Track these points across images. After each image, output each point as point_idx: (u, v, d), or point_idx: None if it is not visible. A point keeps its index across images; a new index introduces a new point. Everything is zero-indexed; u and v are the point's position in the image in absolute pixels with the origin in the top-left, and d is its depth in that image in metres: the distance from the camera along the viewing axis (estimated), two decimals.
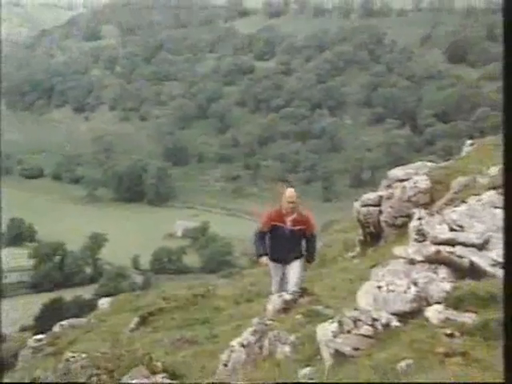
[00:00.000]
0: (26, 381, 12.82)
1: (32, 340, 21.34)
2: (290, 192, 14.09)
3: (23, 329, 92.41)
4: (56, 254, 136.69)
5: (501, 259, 7.07)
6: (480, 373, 5.24)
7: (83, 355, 12.31)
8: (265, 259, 14.17)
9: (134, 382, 10.10)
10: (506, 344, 3.37)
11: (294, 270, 13.79)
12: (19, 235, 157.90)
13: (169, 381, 10.15)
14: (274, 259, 14.13)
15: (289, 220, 13.82)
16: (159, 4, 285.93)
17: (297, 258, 14.04)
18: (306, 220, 14.12)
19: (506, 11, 3.77)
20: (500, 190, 9.70)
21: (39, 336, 21.40)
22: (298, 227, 13.81)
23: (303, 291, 11.84)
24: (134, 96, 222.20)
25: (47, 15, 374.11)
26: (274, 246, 14.05)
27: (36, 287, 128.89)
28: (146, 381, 10.14)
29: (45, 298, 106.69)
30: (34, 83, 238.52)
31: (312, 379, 6.50)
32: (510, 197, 3.43)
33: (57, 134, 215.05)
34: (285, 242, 13.81)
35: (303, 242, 14.16)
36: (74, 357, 12.38)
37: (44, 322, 65.14)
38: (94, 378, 11.44)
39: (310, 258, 14.09)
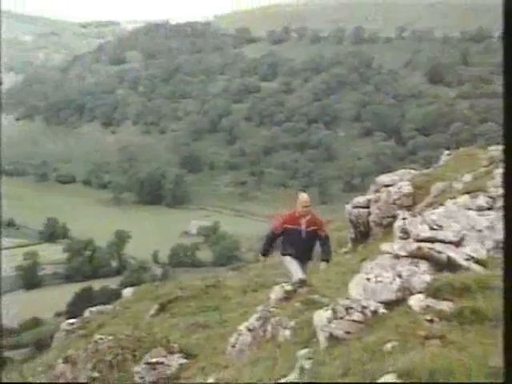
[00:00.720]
0: (60, 361, 12.80)
1: (65, 324, 21.37)
2: (304, 197, 13.73)
3: (58, 314, 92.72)
4: (86, 249, 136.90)
5: (474, 254, 7.10)
6: (456, 353, 5.24)
7: (110, 337, 12.32)
8: (262, 259, 14.25)
9: (153, 360, 10.10)
10: (505, 344, 3.30)
11: (306, 270, 13.41)
12: (54, 233, 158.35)
13: (184, 360, 10.14)
14: (291, 255, 13.55)
15: (303, 222, 13.37)
16: (176, 32, 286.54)
17: (311, 258, 13.72)
18: (319, 222, 13.66)
19: (506, 10, 3.56)
20: (472, 194, 9.72)
21: (71, 320, 21.43)
22: (312, 228, 13.35)
23: (302, 283, 11.73)
24: (154, 112, 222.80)
25: (79, 43, 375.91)
26: (291, 247, 13.53)
27: (69, 278, 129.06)
28: (164, 360, 10.14)
29: (76, 287, 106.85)
30: (68, 102, 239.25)
31: (309, 359, 6.49)
32: (510, 198, 3.37)
33: (87, 146, 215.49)
34: (301, 242, 13.35)
35: (318, 244, 13.64)
36: (101, 338, 12.40)
37: (75, 308, 65.24)
38: (120, 357, 11.45)
39: (327, 257, 13.59)
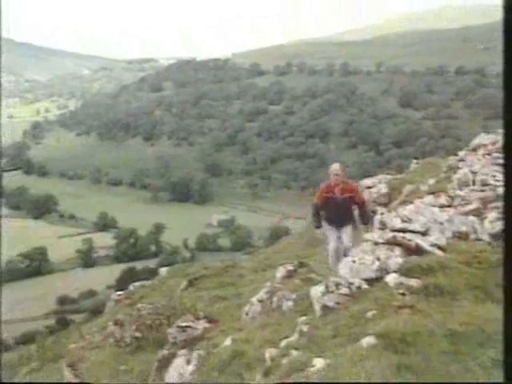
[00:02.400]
0: (111, 323, 12.80)
1: (114, 295, 21.38)
2: (334, 166, 12.58)
3: (108, 287, 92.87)
4: (131, 237, 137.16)
5: (437, 242, 7.08)
6: (422, 319, 5.24)
7: (149, 306, 12.32)
8: (318, 232, 12.92)
9: (183, 324, 10.09)
10: (505, 345, 3.26)
11: (347, 232, 12.23)
12: (105, 224, 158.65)
13: (207, 324, 10.13)
14: (329, 223, 12.52)
15: (337, 190, 12.20)
16: (202, 67, 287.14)
17: (348, 223, 12.40)
18: (353, 189, 12.46)
19: (507, 9, 3.38)
20: (435, 194, 9.70)
21: (119, 292, 21.45)
22: (347, 195, 12.19)
23: (301, 264, 11.68)
24: (185, 129, 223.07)
25: (126, 76, 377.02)
26: (329, 214, 12.44)
27: (117, 259, 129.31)
28: (191, 324, 10.13)
29: (123, 267, 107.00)
30: (117, 121, 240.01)
31: (307, 324, 6.49)
32: (510, 199, 3.28)
33: (131, 156, 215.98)
34: (337, 208, 12.23)
35: (355, 210, 12.49)
36: (143, 306, 12.40)
37: (122, 283, 65.21)
38: (157, 321, 11.46)
39: (365, 220, 12.39)
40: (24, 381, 13.74)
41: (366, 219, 12.37)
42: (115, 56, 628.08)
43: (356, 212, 12.39)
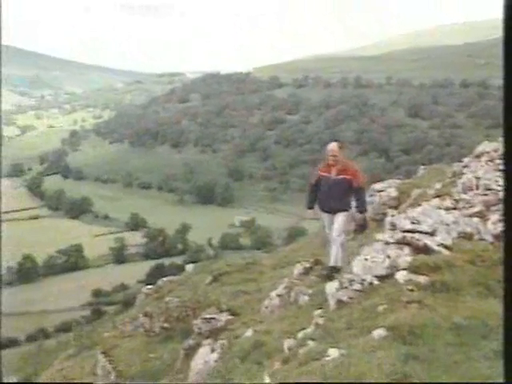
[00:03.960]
0: (141, 315, 12.85)
1: (145, 289, 21.49)
2: (330, 146, 10.90)
3: (139, 281, 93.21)
4: (159, 236, 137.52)
5: (443, 242, 7.05)
6: (429, 313, 5.23)
7: (176, 299, 12.36)
8: (310, 212, 11.10)
9: (208, 316, 10.11)
10: (505, 345, 3.21)
11: (338, 220, 10.51)
12: (136, 224, 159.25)
13: (230, 317, 10.15)
14: (322, 208, 10.85)
15: (333, 170, 10.57)
16: (225, 80, 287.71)
17: (344, 210, 10.64)
18: (351, 171, 10.64)
19: (507, 8, 3.26)
20: (441, 198, 9.64)
21: (149, 286, 21.54)
22: (342, 176, 10.46)
23: (317, 262, 11.45)
24: (209, 137, 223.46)
25: (156, 88, 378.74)
26: (321, 195, 10.77)
27: (147, 256, 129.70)
28: (215, 316, 10.15)
29: (152, 263, 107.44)
30: (147, 130, 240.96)
31: (322, 317, 6.48)
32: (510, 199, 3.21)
33: (160, 161, 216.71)
34: (328, 190, 10.56)
35: (351, 196, 10.70)
36: (170, 300, 12.44)
37: (152, 278, 65.38)
38: (183, 313, 11.48)
39: (360, 208, 10.62)
40: (60, 366, 13.82)
41: (362, 207, 10.61)
42: (146, 70, 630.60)
43: (353, 199, 10.74)
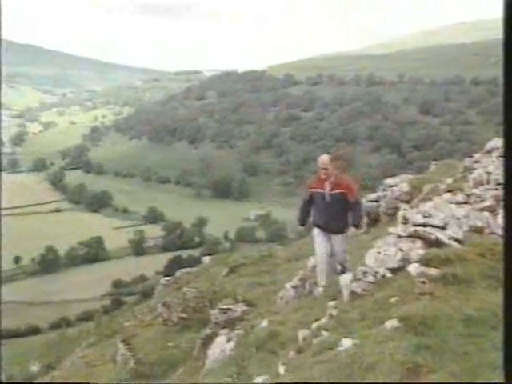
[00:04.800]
0: (159, 305, 12.89)
1: (163, 280, 21.58)
2: (321, 158, 9.84)
3: (157, 273, 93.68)
4: (177, 229, 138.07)
5: (454, 235, 7.02)
6: (440, 304, 5.22)
7: (194, 290, 12.39)
8: (302, 230, 10.30)
9: (224, 307, 10.13)
10: (505, 345, 3.19)
11: (339, 242, 9.57)
12: (155, 217, 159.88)
13: (246, 307, 10.16)
14: (318, 226, 9.81)
15: (327, 185, 9.54)
16: (242, 78, 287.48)
17: (340, 229, 9.60)
18: (346, 185, 9.61)
19: (507, 7, 3.17)
20: (453, 192, 9.60)
21: (167, 278, 21.62)
22: (338, 191, 9.45)
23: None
24: (226, 134, 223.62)
25: (173, 86, 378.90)
26: (316, 212, 9.79)
27: (165, 249, 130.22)
28: (231, 307, 10.16)
29: (170, 255, 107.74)
30: (165, 126, 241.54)
31: (336, 308, 6.48)
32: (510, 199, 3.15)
33: (178, 157, 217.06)
34: (325, 206, 9.55)
35: (349, 212, 9.63)
36: (188, 290, 12.47)
37: (170, 269, 65.58)
38: (201, 304, 11.51)
39: (356, 222, 9.53)
40: (82, 354, 13.89)
41: (357, 222, 9.60)
42: (164, 68, 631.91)
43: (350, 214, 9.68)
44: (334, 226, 9.56)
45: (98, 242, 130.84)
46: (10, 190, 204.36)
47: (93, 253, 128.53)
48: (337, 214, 9.50)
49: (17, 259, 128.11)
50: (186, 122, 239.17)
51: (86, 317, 74.05)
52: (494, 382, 3.89)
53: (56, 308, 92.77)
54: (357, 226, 9.62)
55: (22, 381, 13.94)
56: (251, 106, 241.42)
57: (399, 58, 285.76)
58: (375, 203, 14.69)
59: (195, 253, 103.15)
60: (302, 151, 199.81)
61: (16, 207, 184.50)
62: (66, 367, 12.86)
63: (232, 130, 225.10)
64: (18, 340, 71.01)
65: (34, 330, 77.42)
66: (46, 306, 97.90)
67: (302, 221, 10.12)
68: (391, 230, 7.46)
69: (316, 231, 9.81)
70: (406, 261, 6.56)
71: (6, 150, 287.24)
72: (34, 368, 14.60)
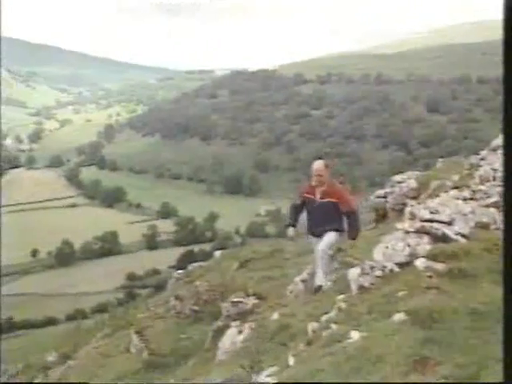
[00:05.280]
0: (172, 298, 12.93)
1: (175, 273, 21.63)
2: (316, 164, 9.43)
3: (170, 267, 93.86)
4: (189, 224, 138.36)
5: (460, 231, 7.01)
6: (447, 298, 5.22)
7: (205, 283, 12.43)
8: (290, 231, 9.60)
9: (235, 300, 10.15)
10: (505, 345, 3.16)
11: (330, 234, 9.10)
12: (167, 212, 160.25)
13: (256, 301, 10.18)
14: (311, 232, 9.45)
15: (318, 192, 9.15)
16: (252, 76, 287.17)
17: (334, 229, 9.14)
18: (338, 193, 9.15)
19: (507, 9, 3.14)
20: (460, 189, 9.57)
21: (179, 271, 21.66)
22: (328, 199, 9.01)
23: (339, 249, 11.22)
24: (237, 131, 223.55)
25: (186, 84, 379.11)
26: (308, 219, 9.43)
27: (177, 243, 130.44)
28: (242, 300, 10.18)
29: (182, 249, 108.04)
30: (177, 124, 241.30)
31: (345, 301, 6.48)
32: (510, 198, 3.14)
33: (190, 153, 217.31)
34: (314, 214, 9.17)
35: (342, 219, 9.18)
36: (200, 284, 12.51)
37: (182, 263, 65.76)
38: (212, 297, 11.54)
39: (352, 235, 9.09)
40: (97, 344, 13.96)
41: (353, 233, 9.11)
42: (177, 67, 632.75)
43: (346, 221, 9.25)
44: (324, 229, 9.13)
45: (113, 236, 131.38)
46: (28, 186, 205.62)
47: (107, 247, 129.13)
48: (325, 219, 9.06)
49: (34, 252, 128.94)
50: (199, 120, 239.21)
51: (101, 309, 74.50)
52: (493, 382, 3.87)
53: (72, 300, 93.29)
54: (353, 238, 9.20)
55: (39, 367, 14.03)
56: (262, 104, 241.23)
57: (407, 57, 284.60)
58: (383, 199, 14.67)
59: (207, 247, 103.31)
60: (312, 148, 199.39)
61: (33, 202, 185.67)
62: (81, 357, 12.94)
63: (243, 128, 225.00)
64: (35, 330, 71.57)
65: (51, 321, 77.99)
66: (62, 298, 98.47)
67: (291, 220, 9.69)
68: (399, 225, 7.46)
69: (311, 238, 9.53)
70: (413, 256, 6.56)
71: (24, 146, 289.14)
72: (51, 357, 14.68)
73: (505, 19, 3.27)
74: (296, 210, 9.60)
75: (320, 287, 8.81)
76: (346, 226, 9.20)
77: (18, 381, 13.52)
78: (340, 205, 9.02)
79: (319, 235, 9.19)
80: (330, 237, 9.09)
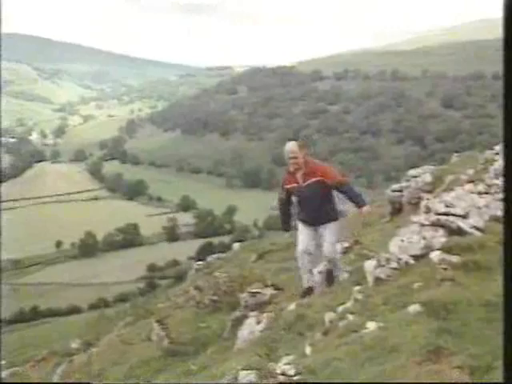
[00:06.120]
0: (192, 288, 12.98)
1: (195, 264, 21.72)
2: (288, 147, 8.40)
3: (190, 258, 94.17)
4: (208, 217, 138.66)
5: (475, 224, 6.97)
6: (462, 290, 5.21)
7: (224, 274, 12.45)
8: (288, 236, 8.08)
9: (253, 290, 10.17)
10: (505, 346, 3.16)
11: (327, 233, 8.08)
12: (187, 205, 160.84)
13: (274, 291, 10.19)
14: (302, 220, 8.26)
15: (299, 177, 8.11)
16: (271, 73, 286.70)
17: (329, 219, 8.08)
18: (320, 170, 8.02)
19: (507, 8, 3.12)
20: (475, 183, 9.50)
21: (199, 262, 21.76)
22: (312, 179, 7.94)
23: (356, 242, 11.23)
24: (256, 126, 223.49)
25: (206, 81, 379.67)
26: (300, 211, 8.29)
27: (196, 235, 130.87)
28: (261, 291, 10.20)
29: (201, 241, 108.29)
30: (197, 119, 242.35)
31: (361, 292, 6.48)
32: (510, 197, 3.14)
33: (210, 148, 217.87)
34: (304, 201, 8.08)
35: (334, 200, 8.14)
36: (219, 275, 12.55)
37: (202, 255, 66.06)
38: (231, 287, 11.57)
39: (358, 203, 7.97)
40: (119, 332, 14.05)
41: (359, 200, 8.04)
42: (197, 64, 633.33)
43: (337, 200, 8.26)
44: (318, 217, 8.08)
45: (134, 228, 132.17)
46: (52, 179, 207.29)
47: (129, 238, 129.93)
48: (320, 204, 8.02)
49: (58, 244, 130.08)
50: (218, 115, 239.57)
51: (123, 298, 74.99)
52: (493, 382, 3.86)
53: (94, 290, 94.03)
54: (361, 206, 8.04)
55: (63, 353, 14.16)
56: (280, 100, 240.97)
57: (423, 54, 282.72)
58: (399, 193, 14.61)
59: (225, 240, 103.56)
60: (329, 143, 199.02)
61: (57, 195, 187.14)
62: (104, 344, 13.05)
63: (262, 123, 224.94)
64: (59, 319, 72.23)
65: (75, 310, 78.68)
66: (85, 287, 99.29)
67: (285, 224, 8.68)
68: (414, 218, 7.42)
69: (300, 226, 8.34)
70: (428, 248, 6.54)
71: (49, 141, 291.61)
72: (75, 345, 14.83)
73: (505, 18, 3.24)
74: (284, 208, 8.53)
75: (311, 289, 8.38)
76: (341, 206, 8.33)
77: (43, 367, 13.68)
78: (326, 181, 7.95)
79: (313, 224, 8.14)
80: (330, 236, 8.13)
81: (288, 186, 8.27)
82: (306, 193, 8.01)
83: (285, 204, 8.47)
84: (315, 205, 7.99)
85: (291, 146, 8.28)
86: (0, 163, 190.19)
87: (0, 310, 54.70)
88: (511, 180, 3.13)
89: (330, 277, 8.52)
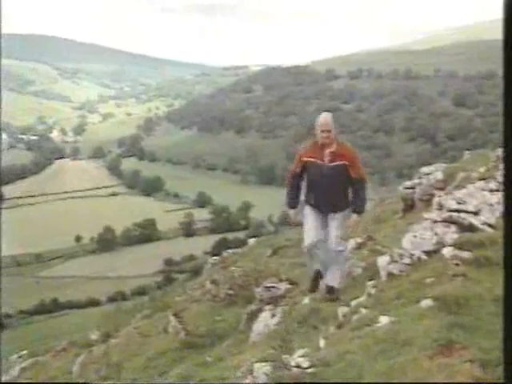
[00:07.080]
0: (208, 282, 13.00)
1: (211, 259, 21.72)
2: (323, 118, 7.29)
3: (206, 253, 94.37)
4: (224, 213, 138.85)
5: (487, 221, 6.94)
6: (473, 285, 5.20)
7: (240, 269, 12.46)
8: (292, 214, 7.52)
9: (268, 285, 10.17)
10: (505, 345, 3.14)
11: (336, 223, 7.06)
12: (203, 201, 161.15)
13: (289, 286, 10.19)
14: (312, 203, 7.17)
15: (326, 154, 6.91)
16: (286, 72, 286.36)
17: (341, 208, 7.05)
18: (350, 154, 7.01)
19: (507, 8, 3.09)
20: (486, 180, 9.45)
21: (215, 257, 21.78)
22: (341, 162, 6.86)
23: (369, 238, 11.15)
24: (270, 124, 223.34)
25: (222, 80, 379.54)
26: (311, 189, 7.16)
27: (212, 231, 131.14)
28: (275, 285, 10.20)
29: (217, 237, 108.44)
30: (213, 117, 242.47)
31: (374, 287, 6.47)
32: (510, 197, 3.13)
33: (225, 146, 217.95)
34: (322, 182, 6.95)
35: (349, 189, 7.06)
36: (235, 269, 12.57)
37: (217, 250, 66.18)
38: (246, 282, 11.58)
39: (358, 207, 7.06)
40: (136, 325, 14.11)
41: (360, 206, 7.14)
42: (213, 63, 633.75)
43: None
44: (331, 204, 7.08)
45: (151, 223, 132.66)
46: (72, 176, 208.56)
47: (146, 233, 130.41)
48: (337, 191, 7.02)
49: (78, 238, 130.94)
50: (234, 114, 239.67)
51: (140, 291, 75.44)
52: (493, 382, 3.84)
53: (113, 283, 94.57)
54: (359, 212, 7.18)
55: (83, 344, 14.24)
56: (295, 99, 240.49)
57: (434, 53, 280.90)
58: (411, 190, 14.55)
59: (241, 235, 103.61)
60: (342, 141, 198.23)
61: (77, 191, 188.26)
62: (122, 336, 13.11)
63: (276, 121, 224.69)
64: (78, 311, 72.80)
65: (94, 302, 79.24)
66: (103, 280, 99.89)
67: (292, 201, 7.50)
68: (427, 215, 7.41)
69: (308, 210, 7.26)
70: (440, 244, 6.52)
71: (69, 138, 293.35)
72: (94, 336, 14.91)
73: (505, 18, 3.22)
74: (295, 182, 7.39)
75: (332, 289, 7.46)
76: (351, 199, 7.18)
77: (64, 357, 13.77)
78: (351, 169, 6.95)
79: (325, 210, 7.11)
80: (339, 224, 7.13)
81: (307, 159, 7.08)
82: (329, 174, 6.90)
83: (297, 177, 7.31)
84: (331, 189, 6.96)
85: (326, 117, 7.27)
86: (0, 163, 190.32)
87: (0, 304, 54.85)
88: (511, 180, 3.12)
89: (316, 278, 7.78)
